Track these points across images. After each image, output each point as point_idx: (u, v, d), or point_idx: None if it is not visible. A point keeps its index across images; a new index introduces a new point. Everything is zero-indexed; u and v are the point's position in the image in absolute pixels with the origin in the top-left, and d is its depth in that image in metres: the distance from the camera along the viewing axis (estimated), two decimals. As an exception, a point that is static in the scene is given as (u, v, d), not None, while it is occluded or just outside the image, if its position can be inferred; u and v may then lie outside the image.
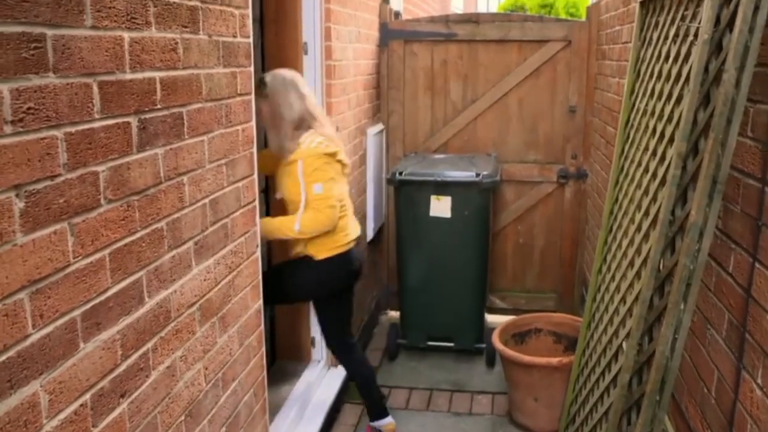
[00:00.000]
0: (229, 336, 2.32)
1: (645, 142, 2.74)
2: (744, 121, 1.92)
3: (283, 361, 3.91)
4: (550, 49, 4.84)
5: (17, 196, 1.27)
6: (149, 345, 1.79)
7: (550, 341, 4.07)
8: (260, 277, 2.61)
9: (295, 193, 3.07)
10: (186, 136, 1.93)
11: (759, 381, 1.78)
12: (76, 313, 1.47)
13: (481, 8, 33.08)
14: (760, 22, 1.76)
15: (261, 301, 2.63)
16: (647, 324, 2.16)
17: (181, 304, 1.96)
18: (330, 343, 3.45)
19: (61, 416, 1.43)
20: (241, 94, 2.32)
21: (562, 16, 9.71)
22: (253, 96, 2.44)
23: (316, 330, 3.88)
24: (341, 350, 3.43)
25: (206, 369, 2.15)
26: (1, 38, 1.22)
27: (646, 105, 2.84)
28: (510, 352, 3.72)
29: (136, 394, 1.73)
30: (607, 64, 4.41)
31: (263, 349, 2.69)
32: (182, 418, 1.99)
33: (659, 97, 2.61)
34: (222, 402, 2.28)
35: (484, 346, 4.52)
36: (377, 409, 3.52)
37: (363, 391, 3.48)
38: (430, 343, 4.55)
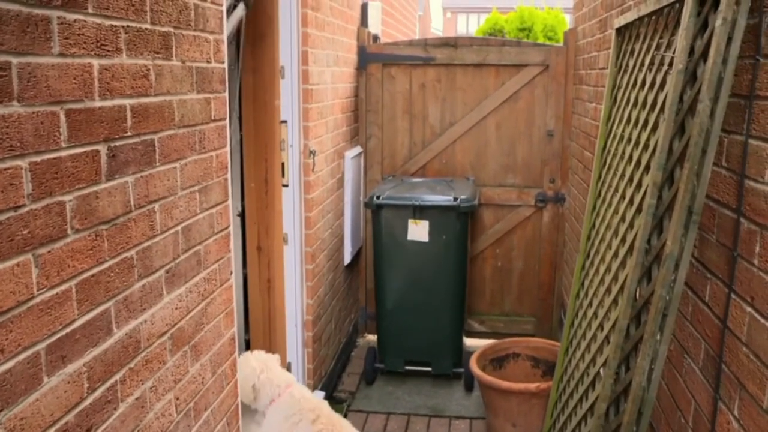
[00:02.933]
0: (202, 365, 2.28)
1: (621, 169, 2.75)
2: (719, 151, 1.92)
3: (258, 387, 3.85)
4: (528, 74, 4.87)
5: (-22, 228, 1.24)
6: (117, 377, 1.74)
7: (528, 366, 4.06)
8: (234, 304, 2.56)
9: None
10: (158, 164, 1.90)
11: (735, 413, 1.77)
12: (40, 346, 1.43)
13: (461, 29, 33.40)
14: (733, 53, 1.77)
15: (234, 329, 2.59)
16: (624, 353, 2.15)
17: (152, 334, 1.91)
18: None
19: (23, 454, 1.38)
20: (215, 120, 2.29)
21: (540, 39, 9.80)
22: (227, 121, 2.41)
23: (292, 355, 3.83)
24: None
25: (177, 399, 2.10)
26: (-37, 67, 1.19)
27: (623, 131, 2.85)
28: (488, 378, 3.69)
29: (102, 427, 1.68)
30: (584, 89, 4.44)
31: (236, 377, 2.64)
32: (151, 450, 1.94)
33: (635, 124, 2.62)
34: (196, 429, 2.23)
35: (462, 370, 4.50)
36: None
37: None
38: (408, 367, 4.51)
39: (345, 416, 4.08)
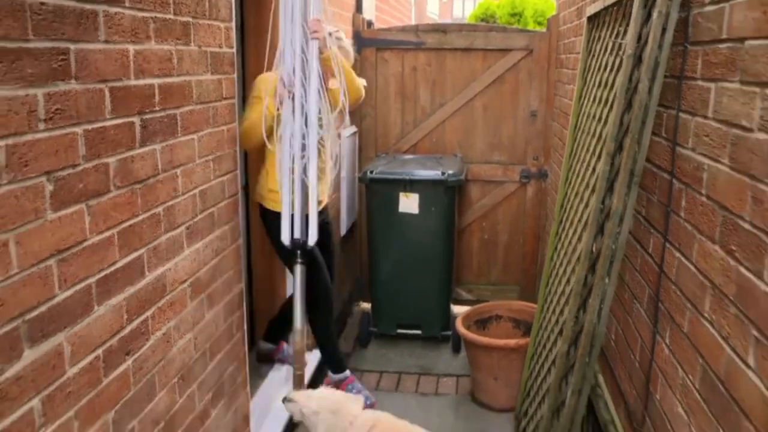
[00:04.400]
0: (215, 312, 2.61)
1: (588, 143, 3.07)
2: (659, 123, 2.25)
3: (259, 343, 4.18)
4: (513, 58, 5.18)
5: (48, 180, 1.56)
6: (149, 313, 2.08)
7: (510, 327, 4.40)
8: (242, 264, 2.89)
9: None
10: (179, 134, 2.23)
11: (667, 341, 2.11)
12: (92, 280, 1.76)
13: (457, 13, 33.51)
14: (667, 41, 2.09)
15: (242, 285, 2.92)
16: (582, 299, 2.49)
17: (175, 280, 2.25)
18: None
19: (80, 365, 1.72)
20: (226, 98, 2.61)
21: (531, 25, 10.09)
22: (236, 100, 2.73)
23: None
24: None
25: (196, 339, 2.44)
26: (38, 52, 1.51)
27: (590, 110, 3.17)
28: (472, 335, 4.04)
29: (138, 354, 2.02)
30: (564, 72, 4.75)
31: (244, 328, 2.98)
32: (176, 380, 2.28)
33: (599, 103, 2.95)
34: (209, 370, 2.57)
35: (450, 333, 4.84)
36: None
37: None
38: (400, 330, 4.86)
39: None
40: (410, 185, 4.55)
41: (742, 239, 1.57)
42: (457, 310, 5.07)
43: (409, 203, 4.57)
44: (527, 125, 5.28)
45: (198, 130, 2.37)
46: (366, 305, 5.40)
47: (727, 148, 1.69)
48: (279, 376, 3.90)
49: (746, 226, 1.55)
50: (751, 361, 1.50)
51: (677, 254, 2.05)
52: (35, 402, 1.56)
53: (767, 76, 1.47)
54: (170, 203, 2.19)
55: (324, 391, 3.00)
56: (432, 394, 4.31)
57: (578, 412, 2.40)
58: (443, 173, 4.54)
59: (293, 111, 3.19)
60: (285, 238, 3.32)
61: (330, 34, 3.38)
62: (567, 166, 3.59)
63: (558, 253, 3.44)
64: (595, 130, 2.94)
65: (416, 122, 5.39)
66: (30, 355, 1.53)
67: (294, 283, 3.36)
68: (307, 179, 3.24)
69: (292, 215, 3.30)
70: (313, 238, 3.34)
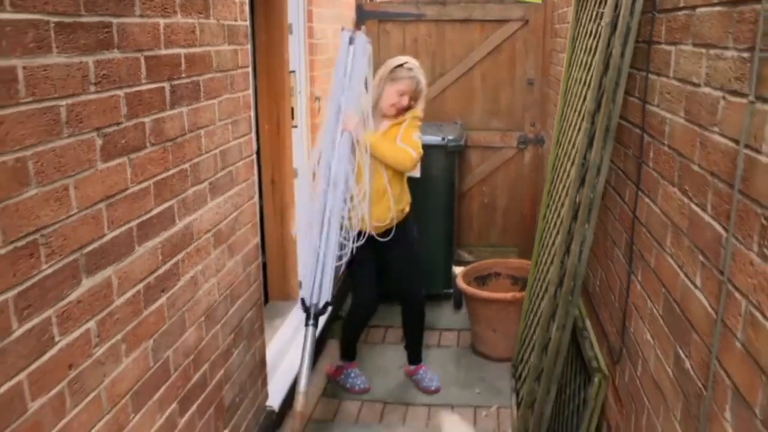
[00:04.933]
0: (235, 261, 2.89)
1: (576, 105, 3.32)
2: (632, 84, 2.50)
3: (274, 301, 4.48)
4: (510, 28, 5.40)
5: (98, 135, 1.83)
6: (179, 257, 2.35)
7: (508, 283, 4.68)
8: (257, 219, 3.16)
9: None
10: (202, 99, 2.49)
11: (639, 279, 2.38)
12: (133, 223, 2.03)
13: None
14: (638, 8, 2.33)
15: (258, 240, 3.20)
16: (566, 245, 2.76)
17: (200, 230, 2.52)
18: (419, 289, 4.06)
19: (125, 297, 2.00)
20: (241, 67, 2.86)
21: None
22: (250, 69, 2.99)
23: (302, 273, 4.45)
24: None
25: (219, 284, 2.72)
26: (88, 26, 1.77)
27: (578, 74, 3.41)
28: (472, 290, 4.32)
29: (171, 291, 2.30)
30: (558, 41, 4.97)
31: (261, 279, 3.26)
32: (202, 319, 2.57)
33: (585, 68, 3.18)
34: (231, 313, 2.85)
35: (451, 291, 5.12)
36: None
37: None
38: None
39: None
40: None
41: (693, 180, 1.82)
42: (459, 270, 5.35)
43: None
44: (524, 93, 5.52)
45: (218, 96, 2.63)
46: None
47: (683, 102, 1.94)
48: (290, 329, 4.18)
49: (696, 168, 1.81)
50: (698, 282, 1.77)
51: (647, 200, 2.31)
52: (91, 324, 1.84)
53: (711, 39, 1.72)
54: (195, 160, 2.45)
55: None
56: (435, 346, 4.61)
57: (562, 346, 2.68)
58: (443, 139, 4.79)
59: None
60: (306, 297, 3.34)
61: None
62: (558, 128, 3.84)
63: (549, 210, 3.70)
64: (581, 93, 3.18)
65: (418, 92, 5.62)
66: (87, 283, 1.81)
67: (305, 344, 3.21)
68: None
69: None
70: (325, 298, 3.35)
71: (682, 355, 1.86)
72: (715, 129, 1.67)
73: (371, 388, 4.05)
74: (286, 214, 4.29)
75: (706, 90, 1.74)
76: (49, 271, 1.66)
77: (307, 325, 3.29)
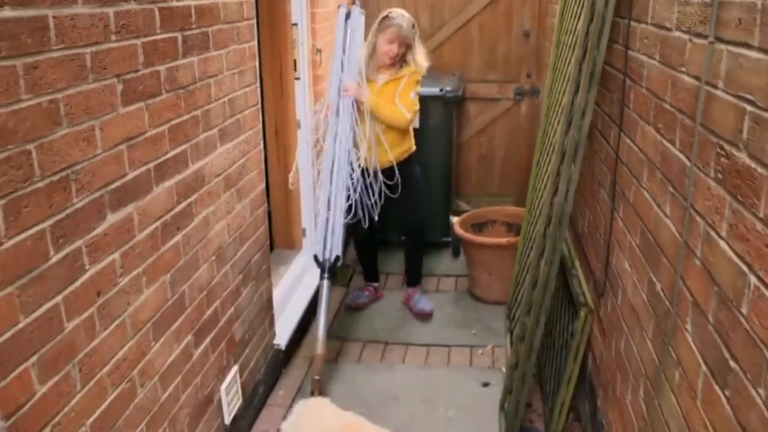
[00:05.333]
0: (243, 205, 3.07)
1: (566, 56, 3.45)
2: (617, 32, 2.64)
3: (279, 249, 4.67)
4: (507, -20, 5.49)
5: (118, 81, 1.99)
6: (193, 198, 2.53)
7: (504, 230, 4.86)
8: (262, 166, 3.33)
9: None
10: (212, 49, 2.63)
11: (621, 215, 2.56)
12: (151, 165, 2.20)
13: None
14: (621, -41, 2.46)
15: (263, 186, 3.37)
16: (554, 186, 2.92)
17: (211, 174, 2.69)
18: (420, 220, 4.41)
19: (145, 232, 2.18)
20: (246, 19, 3.00)
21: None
22: (254, 21, 3.12)
23: (306, 222, 4.63)
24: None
25: (229, 226, 2.90)
26: (106, -21, 1.91)
27: (569, 25, 3.54)
28: (468, 235, 4.51)
29: (186, 230, 2.48)
30: (554, -8, 5.07)
31: (267, 224, 3.44)
32: (214, 258, 2.75)
33: (574, 18, 3.31)
34: (240, 254, 3.04)
35: (450, 239, 5.30)
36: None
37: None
38: (404, 237, 5.31)
39: (350, 278, 4.90)
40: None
41: (665, 117, 1.99)
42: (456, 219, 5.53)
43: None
44: (521, 45, 5.63)
45: (225, 47, 2.77)
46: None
47: (658, 46, 2.09)
48: (294, 276, 4.38)
49: (667, 106, 1.97)
50: (668, 210, 1.94)
51: (627, 140, 2.47)
52: (116, 255, 2.02)
53: (681, -15, 1.87)
54: (206, 108, 2.61)
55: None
56: (434, 291, 4.81)
57: (550, 280, 2.86)
58: (441, 89, 4.92)
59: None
60: (319, 253, 3.83)
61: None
62: (550, 78, 3.97)
63: (542, 156, 3.86)
64: (571, 43, 3.31)
65: (417, 45, 5.73)
66: (111, 218, 1.99)
67: (320, 295, 3.71)
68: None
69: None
70: (334, 253, 3.82)
71: (654, 279, 2.05)
72: (683, 69, 1.82)
73: (375, 330, 4.27)
74: (289, 165, 4.45)
75: (677, 34, 1.89)
76: (80, 204, 1.83)
77: (321, 278, 3.75)
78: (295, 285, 4.28)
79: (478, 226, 4.85)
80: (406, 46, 4.04)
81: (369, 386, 3.67)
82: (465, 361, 3.94)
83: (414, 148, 4.32)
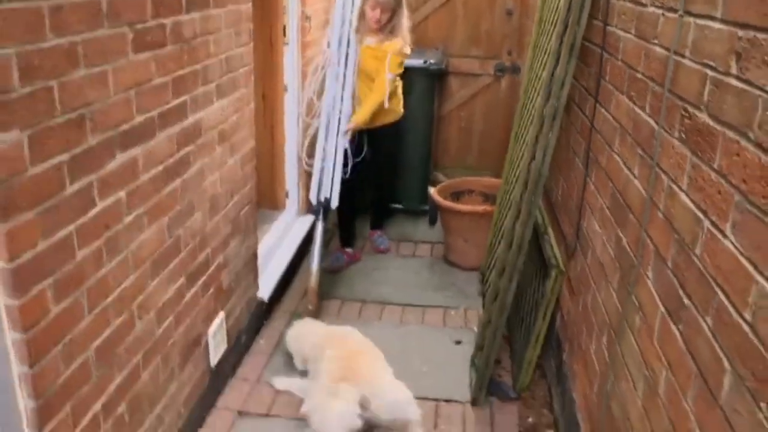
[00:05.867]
0: (235, 160, 3.19)
1: (548, 31, 3.61)
2: (596, 8, 2.80)
3: (263, 210, 4.79)
4: (492, -42, 5.62)
5: (129, 29, 2.11)
6: (190, 148, 2.65)
7: (480, 200, 5.03)
8: (253, 124, 3.45)
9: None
10: (211, 7, 2.75)
11: (593, 179, 2.74)
12: (155, 112, 2.33)
13: None
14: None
15: (253, 143, 3.49)
16: (532, 152, 3.10)
17: (207, 127, 2.82)
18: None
19: (148, 175, 2.31)
20: (244, -19, 3.11)
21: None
22: (251, -17, 3.23)
23: (290, 185, 4.77)
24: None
25: (221, 179, 3.03)
26: (123, -69, 2.02)
27: (551, 3, 3.69)
28: (446, 202, 4.68)
29: (184, 176, 2.61)
30: (538, -28, 5.21)
31: (255, 180, 3.57)
32: (207, 205, 2.89)
33: (558, -5, 3.47)
34: (230, 205, 3.17)
35: (427, 208, 5.47)
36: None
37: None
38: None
39: (330, 240, 5.06)
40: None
41: (638, 86, 2.16)
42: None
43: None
44: (503, 22, 5.78)
45: (223, 6, 2.88)
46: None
47: (634, 21, 2.26)
48: (277, 235, 4.52)
49: (639, 76, 2.14)
50: (636, 171, 2.12)
51: (602, 110, 2.65)
52: (122, 193, 2.15)
53: (658, -36, 2.03)
54: (205, 63, 2.73)
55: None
56: (410, 256, 4.98)
57: (524, 241, 3.04)
58: (425, 62, 5.06)
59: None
60: (313, 197, 4.34)
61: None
62: (531, 54, 4.14)
63: (520, 128, 4.03)
64: (553, 20, 3.47)
65: (402, 17, 5.85)
66: (120, 158, 2.12)
67: (315, 234, 4.21)
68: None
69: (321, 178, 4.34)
70: (335, 202, 4.32)
71: (621, 235, 2.23)
72: (656, 41, 1.99)
73: (352, 289, 4.44)
74: (276, 128, 4.57)
75: (651, 9, 2.06)
76: (93, 142, 1.96)
77: (316, 219, 4.30)
78: (278, 243, 4.43)
79: (456, 195, 5.01)
80: (390, 12, 4.33)
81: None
82: (439, 321, 4.12)
83: (395, 118, 4.65)
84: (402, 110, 4.67)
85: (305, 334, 3.51)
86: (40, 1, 1.68)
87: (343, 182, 4.39)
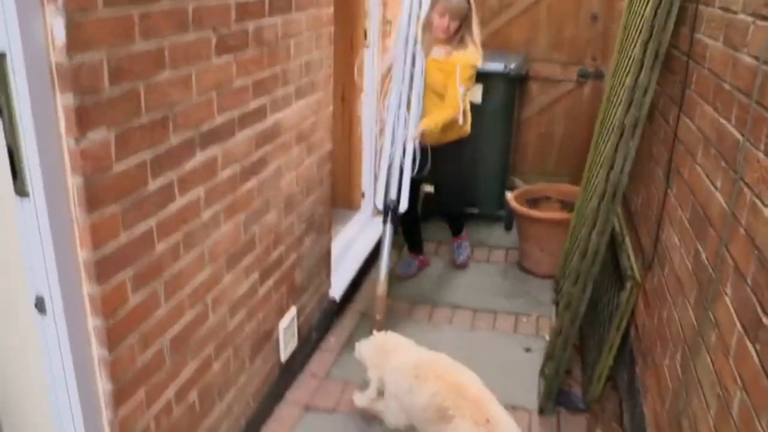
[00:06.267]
0: (312, 161, 3.25)
1: (633, 37, 3.52)
2: (684, 16, 2.72)
3: (338, 209, 4.85)
4: (579, -39, 5.52)
5: (213, 33, 2.17)
6: (268, 148, 2.72)
7: (558, 207, 4.95)
8: (330, 127, 3.50)
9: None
10: (293, 11, 2.80)
11: (674, 191, 2.66)
12: (236, 113, 2.40)
13: None
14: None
15: (331, 145, 3.54)
16: (611, 161, 3.03)
17: (286, 127, 2.88)
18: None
19: (226, 173, 2.38)
20: (326, -15, 3.17)
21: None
22: (333, -12, 3.28)
23: (366, 185, 4.82)
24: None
25: (297, 178, 3.09)
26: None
27: (637, 7, 3.60)
28: (523, 209, 4.63)
29: (260, 176, 2.67)
30: (625, -24, 5.09)
31: (331, 180, 3.62)
32: (282, 205, 2.95)
33: (643, 1, 3.38)
34: (305, 206, 3.23)
35: (503, 213, 5.42)
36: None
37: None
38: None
39: (402, 246, 5.06)
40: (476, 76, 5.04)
41: (723, 96, 2.08)
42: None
43: (474, 93, 5.07)
44: (588, 27, 5.66)
45: (305, 9, 2.94)
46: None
47: (723, 29, 2.18)
48: (351, 234, 4.57)
49: (726, 86, 2.06)
50: (718, 184, 2.05)
51: (686, 120, 2.57)
52: (201, 190, 2.23)
53: (747, -30, 1.96)
54: (285, 66, 2.79)
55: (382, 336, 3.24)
56: (484, 261, 4.95)
57: (600, 249, 2.98)
58: (506, 67, 5.02)
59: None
60: (379, 201, 4.04)
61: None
62: (616, 59, 4.04)
63: (601, 136, 3.95)
64: (639, 26, 3.38)
65: (484, 22, 5.79)
66: (199, 157, 2.19)
67: (383, 239, 3.96)
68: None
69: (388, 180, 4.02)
70: (404, 206, 3.98)
71: (700, 249, 2.16)
72: (745, 50, 1.92)
73: (423, 292, 4.45)
74: (354, 129, 4.62)
75: (742, 16, 1.98)
76: (175, 142, 2.03)
77: (384, 223, 3.99)
78: (352, 243, 4.48)
79: (533, 202, 4.95)
80: (459, 21, 4.00)
81: (417, 343, 3.84)
82: (510, 328, 4.08)
83: (462, 135, 4.33)
84: (469, 129, 4.35)
85: (388, 352, 3.05)
86: (132, 8, 1.76)
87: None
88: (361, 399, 3.11)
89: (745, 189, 1.78)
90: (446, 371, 2.77)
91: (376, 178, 4.75)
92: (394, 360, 2.95)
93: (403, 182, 4.01)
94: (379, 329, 3.55)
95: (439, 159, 4.19)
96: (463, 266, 4.79)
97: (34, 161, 1.64)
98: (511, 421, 2.61)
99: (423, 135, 4.04)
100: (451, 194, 4.70)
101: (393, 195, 4.01)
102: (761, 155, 1.69)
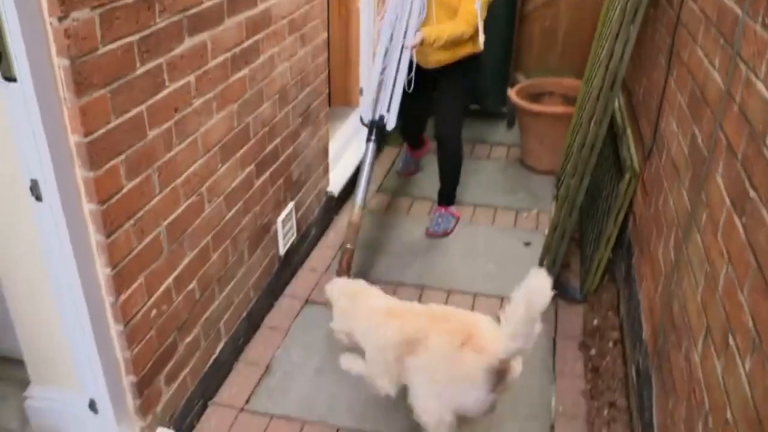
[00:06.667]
0: (306, 51, 3.19)
1: None
2: None
3: (336, 107, 4.80)
4: None
5: None
6: (259, 36, 2.66)
7: (560, 102, 4.89)
8: (326, 16, 3.41)
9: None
10: None
11: (674, 76, 2.61)
12: (224, -3, 2.33)
13: None
14: None
15: (326, 35, 3.46)
16: (611, 49, 2.96)
17: (278, 15, 2.81)
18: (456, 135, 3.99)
19: (216, 61, 2.34)
20: None
21: None
22: None
23: (364, 80, 4.74)
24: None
25: (291, 69, 3.04)
26: None
27: None
28: (523, 103, 4.57)
29: (253, 65, 2.63)
30: None
31: (327, 73, 3.56)
32: (276, 96, 2.91)
33: None
34: (300, 98, 3.19)
35: (505, 110, 5.36)
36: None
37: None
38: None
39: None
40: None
41: (726, -29, 2.01)
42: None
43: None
44: None
45: None
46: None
47: None
48: (350, 131, 4.54)
49: (729, -40, 1.99)
50: (716, 63, 2.01)
51: (690, 2, 2.49)
52: (191, 77, 2.20)
53: None
54: (276, -52, 2.69)
55: (350, 281, 2.80)
56: (485, 158, 4.93)
57: (598, 140, 2.96)
58: (509, -44, 4.85)
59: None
60: (364, 114, 3.50)
61: None
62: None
63: (604, 28, 3.85)
64: None
65: None
66: (188, 42, 2.15)
67: (363, 160, 3.42)
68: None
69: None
70: (392, 124, 3.47)
71: (696, 132, 2.14)
72: None
73: (423, 188, 4.44)
74: (350, 23, 4.51)
75: None
76: (162, 24, 1.99)
77: (368, 140, 3.46)
78: (350, 140, 4.45)
79: (535, 97, 4.88)
80: None
81: (416, 237, 3.89)
82: (509, 223, 4.11)
83: (472, 52, 3.68)
84: (482, 46, 3.65)
85: (357, 296, 2.57)
86: None
87: (405, 96, 3.54)
88: (347, 361, 2.57)
89: (741, 65, 1.74)
90: (437, 309, 2.39)
91: (361, 92, 4.47)
92: (364, 305, 2.51)
93: (394, 96, 3.49)
94: (349, 260, 3.25)
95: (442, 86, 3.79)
96: (433, 236, 3.94)
97: (19, 43, 1.62)
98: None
99: (426, 55, 3.58)
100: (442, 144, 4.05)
101: (383, 110, 3.49)
102: (758, 27, 1.64)
